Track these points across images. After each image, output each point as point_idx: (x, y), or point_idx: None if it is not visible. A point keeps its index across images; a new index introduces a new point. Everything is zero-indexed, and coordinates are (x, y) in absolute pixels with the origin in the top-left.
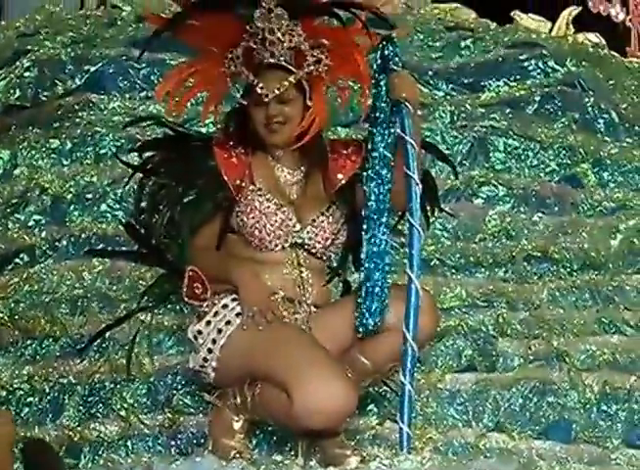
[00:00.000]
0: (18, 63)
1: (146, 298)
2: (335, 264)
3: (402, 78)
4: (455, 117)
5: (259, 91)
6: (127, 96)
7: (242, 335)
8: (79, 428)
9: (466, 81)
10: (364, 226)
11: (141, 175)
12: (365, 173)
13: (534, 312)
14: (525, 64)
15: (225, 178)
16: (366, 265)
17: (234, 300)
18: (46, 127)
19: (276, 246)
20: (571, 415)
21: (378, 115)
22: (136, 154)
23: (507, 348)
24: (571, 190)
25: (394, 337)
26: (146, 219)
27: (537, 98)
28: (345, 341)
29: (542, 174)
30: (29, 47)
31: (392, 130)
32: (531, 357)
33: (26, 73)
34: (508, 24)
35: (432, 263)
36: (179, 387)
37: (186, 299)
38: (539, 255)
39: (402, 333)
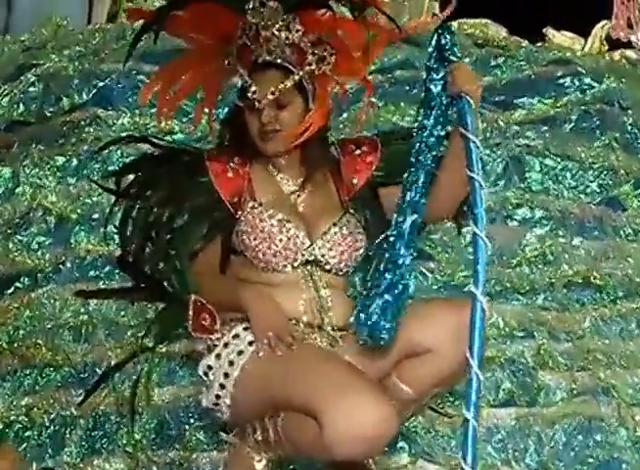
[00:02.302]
0: (22, 78)
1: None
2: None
3: (462, 70)
4: (488, 135)
5: (251, 95)
6: (137, 112)
7: (257, 364)
8: (81, 465)
9: (497, 99)
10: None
11: (126, 201)
12: (408, 172)
13: (577, 343)
14: (560, 81)
15: (221, 195)
16: (392, 277)
17: (246, 328)
18: (51, 144)
19: (284, 266)
20: (620, 454)
21: (432, 110)
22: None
23: (549, 381)
24: (612, 213)
25: (438, 359)
26: (135, 249)
27: (574, 116)
28: (381, 366)
29: (582, 196)
30: (34, 61)
31: (447, 128)
32: (576, 391)
33: (31, 88)
34: (540, 43)
35: (465, 290)
36: (192, 421)
37: (194, 333)
38: (580, 281)
39: (457, 358)
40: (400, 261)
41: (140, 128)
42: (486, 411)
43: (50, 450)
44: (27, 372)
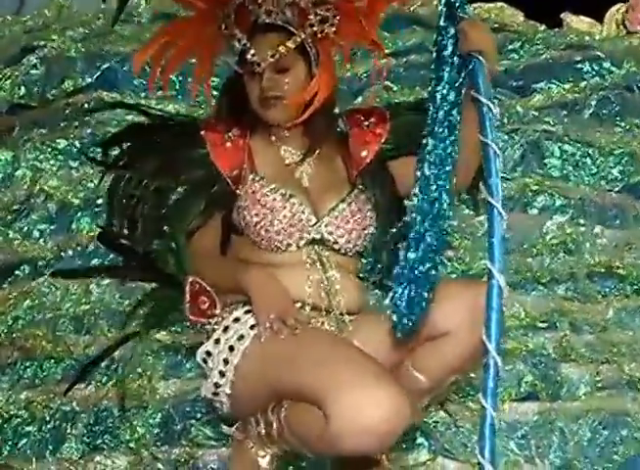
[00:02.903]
0: (25, 60)
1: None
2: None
3: (474, 27)
4: (505, 120)
5: (250, 58)
6: (142, 95)
7: (259, 349)
8: (82, 461)
9: (514, 84)
10: (414, 206)
11: (115, 173)
12: (424, 142)
13: (600, 334)
14: (579, 66)
15: (219, 168)
16: (415, 255)
17: (248, 311)
18: (52, 127)
19: (289, 245)
20: None
21: (443, 72)
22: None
23: (572, 374)
24: (633, 200)
25: (453, 344)
26: (124, 225)
27: (593, 102)
28: (392, 353)
29: (602, 183)
30: (37, 43)
31: (462, 90)
32: (600, 385)
33: (33, 71)
34: (557, 28)
35: (484, 279)
36: (198, 415)
37: (191, 317)
38: (603, 271)
39: (475, 342)
40: (427, 241)
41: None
42: (508, 406)
43: (50, 447)
44: (27, 365)
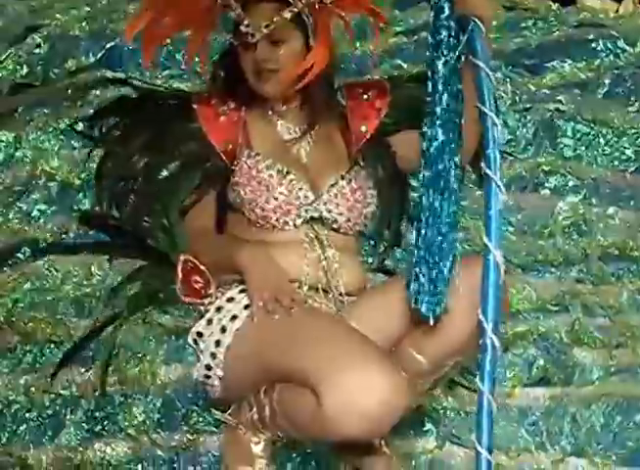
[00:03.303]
0: (28, 39)
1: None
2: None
3: None
4: (517, 99)
5: (244, 29)
6: (148, 74)
7: (252, 329)
8: (81, 448)
9: (527, 63)
10: (423, 182)
11: (104, 147)
12: (427, 111)
13: (614, 318)
14: (593, 44)
15: (212, 143)
16: (425, 236)
17: (242, 291)
18: (55, 107)
19: (285, 224)
20: None
21: (440, 37)
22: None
23: (584, 358)
24: None
25: (452, 324)
26: (114, 202)
27: (607, 81)
28: (392, 335)
29: (616, 163)
30: (41, 22)
31: (461, 55)
32: (613, 369)
33: (36, 50)
34: (570, 6)
35: None
36: (200, 401)
37: (183, 298)
38: (616, 253)
39: (474, 320)
40: (439, 216)
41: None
42: (518, 391)
43: (49, 433)
44: (27, 349)
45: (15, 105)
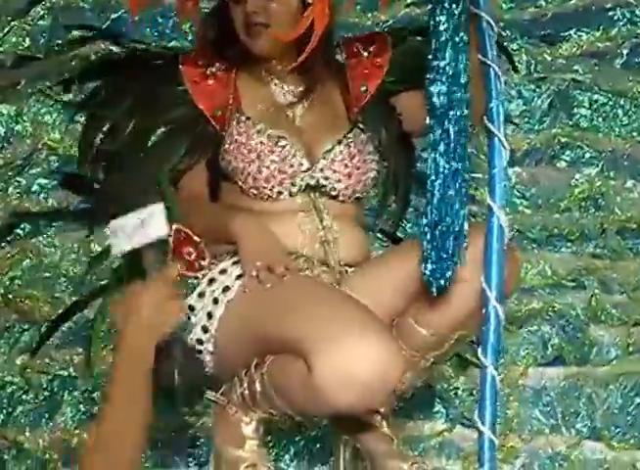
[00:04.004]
0: (32, 11)
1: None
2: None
3: None
4: (532, 69)
5: None
6: (154, 45)
7: (244, 299)
8: (77, 431)
9: (542, 33)
10: (431, 144)
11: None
12: (432, 66)
13: (632, 294)
14: (610, 13)
15: (201, 107)
16: (434, 199)
17: (236, 263)
18: (58, 79)
19: (279, 193)
20: None
21: None
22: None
23: (601, 336)
24: None
25: (459, 293)
26: (98, 169)
27: (625, 50)
28: (393, 306)
29: (634, 134)
30: None
31: (463, 7)
32: (632, 348)
33: (40, 22)
34: None
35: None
36: None
37: (173, 270)
38: (635, 227)
39: (480, 288)
40: (448, 182)
41: None
42: (532, 370)
43: (46, 415)
44: (25, 328)
45: (17, 78)
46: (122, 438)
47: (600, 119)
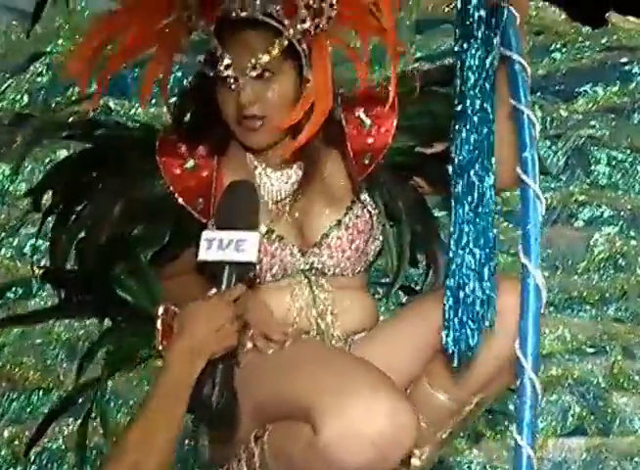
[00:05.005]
0: (31, 67)
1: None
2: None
3: None
4: (547, 125)
5: (224, 71)
6: (153, 102)
7: (242, 372)
8: None
9: (557, 88)
10: (453, 202)
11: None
12: (456, 110)
13: None
14: (627, 68)
15: (180, 200)
16: (457, 260)
17: None
18: (55, 137)
19: (272, 277)
20: None
21: (468, 28)
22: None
23: (624, 405)
24: None
25: (483, 353)
26: (78, 256)
27: None
28: (408, 370)
29: None
30: (44, 49)
31: (493, 50)
32: None
33: (38, 78)
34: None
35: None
36: (192, 460)
37: (165, 353)
38: None
39: (502, 351)
40: (472, 237)
41: (155, 120)
42: (552, 442)
43: None
44: (14, 397)
45: (14, 136)
46: (151, 451)
47: (619, 176)
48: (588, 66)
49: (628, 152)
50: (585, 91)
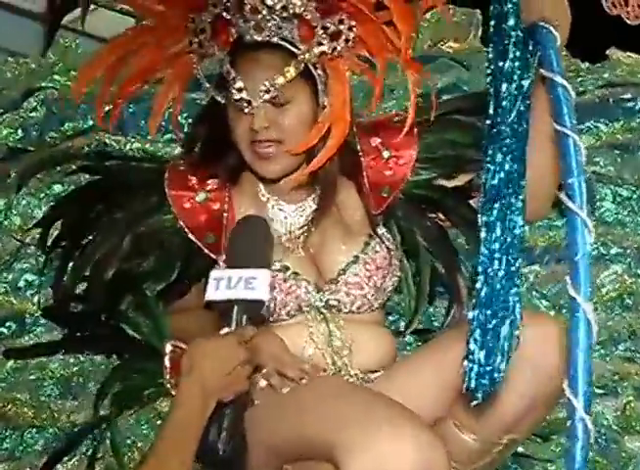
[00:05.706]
0: (25, 103)
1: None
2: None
3: None
4: None
5: (237, 95)
6: (149, 138)
7: (258, 411)
8: None
9: None
10: (482, 239)
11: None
12: (487, 156)
13: None
14: (630, 104)
15: (191, 236)
16: (484, 296)
17: None
18: (49, 172)
19: (286, 314)
20: None
21: (506, 54)
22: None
23: (638, 448)
24: None
25: (506, 392)
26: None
27: None
28: (432, 411)
29: None
30: (39, 85)
31: (530, 76)
32: None
33: (33, 114)
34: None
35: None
36: None
37: (174, 391)
38: None
39: (529, 389)
40: (498, 270)
41: (150, 156)
42: None
43: None
44: (7, 434)
45: (8, 170)
46: None
47: (625, 213)
48: (590, 102)
49: (634, 188)
50: (589, 127)
